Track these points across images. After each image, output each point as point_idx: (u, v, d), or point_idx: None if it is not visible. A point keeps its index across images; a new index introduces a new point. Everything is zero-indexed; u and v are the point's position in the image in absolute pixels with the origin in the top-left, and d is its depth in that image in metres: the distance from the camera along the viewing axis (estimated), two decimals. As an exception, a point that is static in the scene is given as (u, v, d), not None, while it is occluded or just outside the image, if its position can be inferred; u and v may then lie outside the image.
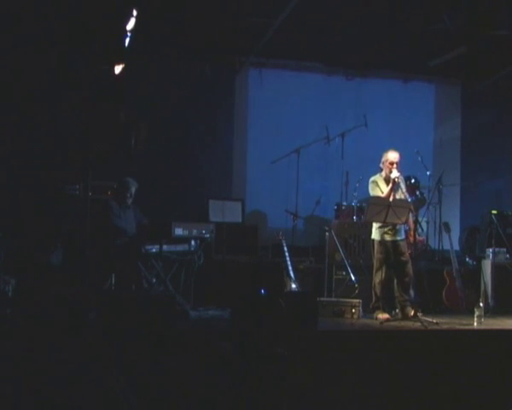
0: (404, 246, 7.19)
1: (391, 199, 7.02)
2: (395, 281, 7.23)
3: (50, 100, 7.66)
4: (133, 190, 7.36)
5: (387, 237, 7.13)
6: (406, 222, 7.15)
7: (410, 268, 7.18)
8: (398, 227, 7.12)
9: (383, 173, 7.21)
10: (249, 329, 5.67)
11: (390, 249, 7.13)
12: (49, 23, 7.15)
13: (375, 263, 7.20)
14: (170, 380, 5.00)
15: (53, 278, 6.77)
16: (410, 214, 7.36)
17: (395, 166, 7.10)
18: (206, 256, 7.47)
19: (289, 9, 7.82)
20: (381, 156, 7.26)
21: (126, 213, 7.37)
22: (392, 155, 7.13)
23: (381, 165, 7.22)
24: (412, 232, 7.69)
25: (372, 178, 7.26)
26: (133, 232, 7.25)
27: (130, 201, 7.37)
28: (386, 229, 7.10)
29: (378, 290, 7.17)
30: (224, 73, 9.68)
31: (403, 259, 7.15)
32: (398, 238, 7.17)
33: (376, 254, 7.18)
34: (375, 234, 7.20)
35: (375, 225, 7.20)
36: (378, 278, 7.14)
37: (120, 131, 7.92)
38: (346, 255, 7.83)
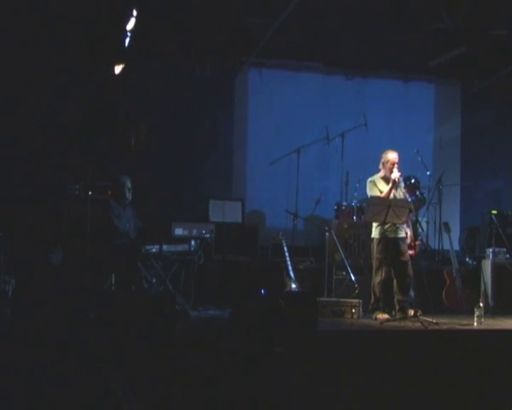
0: (404, 245, 7.18)
1: (391, 197, 7.04)
2: (395, 281, 7.23)
3: (50, 100, 7.66)
4: (129, 183, 7.39)
5: (388, 235, 7.12)
6: (406, 222, 7.13)
7: (410, 269, 7.16)
8: (398, 225, 7.11)
9: (381, 174, 7.22)
10: (249, 329, 5.68)
11: (390, 248, 7.12)
12: (49, 23, 7.16)
13: (375, 263, 7.18)
14: (170, 380, 5.00)
15: (53, 278, 6.77)
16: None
17: (396, 166, 7.12)
18: (206, 256, 7.47)
19: (289, 9, 7.82)
20: (378, 155, 7.27)
21: (126, 213, 7.38)
22: (393, 156, 7.16)
23: (380, 165, 7.23)
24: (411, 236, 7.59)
25: (370, 179, 7.26)
26: (133, 232, 7.26)
27: (130, 195, 7.40)
28: (386, 226, 7.09)
29: (377, 291, 7.16)
30: (224, 73, 9.67)
31: (403, 259, 7.13)
32: (399, 236, 7.16)
33: (376, 254, 7.16)
34: (375, 232, 7.18)
35: (374, 224, 7.19)
36: (378, 278, 7.13)
37: (120, 130, 7.92)
38: (346, 255, 7.82)
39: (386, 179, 7.16)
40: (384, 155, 7.20)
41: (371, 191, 7.19)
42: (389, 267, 7.15)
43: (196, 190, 9.22)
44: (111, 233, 7.11)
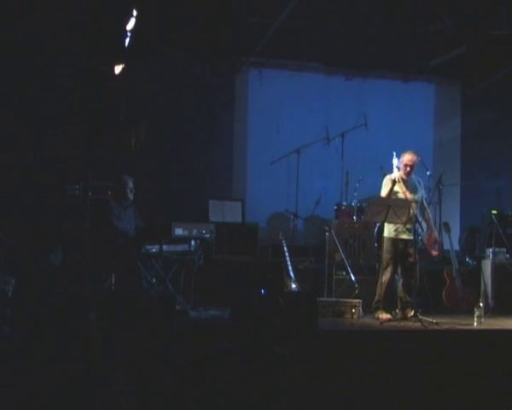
0: (413, 247, 7.14)
1: (407, 197, 7.06)
2: (400, 281, 7.24)
3: (50, 100, 7.66)
4: (131, 184, 7.40)
5: (399, 236, 7.15)
6: (406, 222, 7.12)
7: (416, 271, 7.15)
8: (409, 227, 7.11)
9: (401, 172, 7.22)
10: (249, 329, 5.68)
11: (399, 249, 7.15)
12: (48, 23, 7.15)
13: (383, 262, 7.21)
14: (170, 380, 5.00)
15: (53, 278, 6.76)
16: (427, 212, 7.42)
17: (408, 168, 7.13)
18: (206, 256, 7.48)
19: (289, 9, 7.82)
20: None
21: (127, 213, 7.38)
22: (406, 158, 7.17)
23: (399, 164, 7.25)
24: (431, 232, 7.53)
25: (388, 176, 7.24)
26: (133, 233, 7.26)
27: (131, 196, 7.39)
28: (397, 227, 7.12)
29: (382, 290, 7.16)
30: (223, 73, 9.67)
31: (411, 260, 7.13)
32: (409, 238, 7.16)
33: (385, 253, 7.20)
34: (387, 231, 7.21)
35: (387, 223, 7.18)
36: (384, 277, 7.15)
37: (120, 131, 7.91)
38: (346, 255, 7.82)
39: (402, 179, 7.16)
40: (402, 155, 7.20)
41: (385, 187, 7.22)
42: (395, 267, 7.17)
43: (196, 190, 9.22)
44: (110, 234, 7.10)
